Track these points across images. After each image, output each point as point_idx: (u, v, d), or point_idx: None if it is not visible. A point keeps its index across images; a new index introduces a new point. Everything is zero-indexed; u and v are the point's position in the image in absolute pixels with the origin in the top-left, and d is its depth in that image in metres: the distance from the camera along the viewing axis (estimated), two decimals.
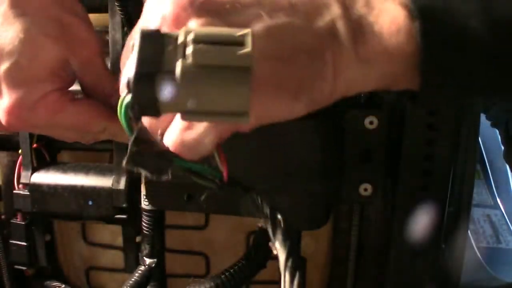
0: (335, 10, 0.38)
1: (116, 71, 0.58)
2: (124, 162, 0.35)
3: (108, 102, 0.49)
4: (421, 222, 0.61)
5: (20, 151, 0.63)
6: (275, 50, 0.36)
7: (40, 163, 0.63)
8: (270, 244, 0.39)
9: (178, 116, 0.38)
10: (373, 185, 0.57)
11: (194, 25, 0.35)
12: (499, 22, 0.37)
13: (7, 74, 0.45)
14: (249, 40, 0.31)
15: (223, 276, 0.57)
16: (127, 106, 0.33)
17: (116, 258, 0.70)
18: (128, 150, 0.35)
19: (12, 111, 0.46)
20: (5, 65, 0.45)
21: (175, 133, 0.37)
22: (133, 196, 0.60)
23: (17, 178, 0.64)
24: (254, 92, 0.34)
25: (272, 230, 0.39)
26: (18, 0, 0.46)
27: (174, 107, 0.32)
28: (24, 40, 0.45)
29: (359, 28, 0.38)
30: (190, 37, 0.31)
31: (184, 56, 0.31)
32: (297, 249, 0.60)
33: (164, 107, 0.32)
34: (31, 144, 0.62)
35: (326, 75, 0.38)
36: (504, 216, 1.48)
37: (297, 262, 0.37)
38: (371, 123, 0.55)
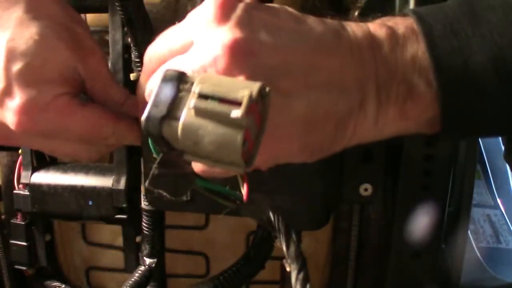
0: (369, 88, 0.40)
1: (116, 70, 0.58)
2: (146, 183, 0.38)
3: (119, 110, 0.49)
4: (421, 222, 0.61)
5: (20, 151, 0.63)
6: (309, 118, 0.39)
7: (40, 163, 0.63)
8: (284, 261, 0.44)
9: None
10: (373, 185, 0.57)
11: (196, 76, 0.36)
12: (510, 76, 0.39)
13: (19, 74, 0.45)
14: (245, 102, 0.33)
15: (221, 278, 0.57)
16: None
17: (116, 258, 0.70)
18: (151, 173, 0.38)
19: (24, 111, 0.46)
20: (18, 65, 0.45)
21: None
22: (133, 196, 0.60)
23: (17, 178, 0.64)
24: (280, 146, 0.39)
25: (286, 248, 0.43)
26: (32, 6, 0.47)
27: (180, 148, 0.35)
28: (39, 41, 0.46)
29: (385, 99, 0.40)
30: (197, 89, 0.34)
31: (188, 105, 0.34)
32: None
33: (172, 145, 0.36)
34: None
35: (343, 141, 0.41)
36: (504, 216, 1.48)
37: (307, 275, 0.41)
38: None
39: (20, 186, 0.63)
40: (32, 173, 0.62)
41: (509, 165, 0.61)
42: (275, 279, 0.63)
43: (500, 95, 0.39)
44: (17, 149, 0.64)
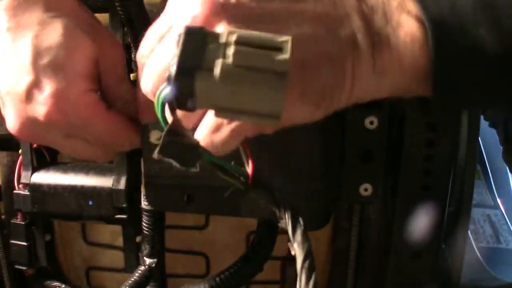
0: (356, 22, 0.39)
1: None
2: (156, 152, 0.37)
3: (126, 109, 0.50)
4: (421, 222, 0.61)
5: (20, 151, 0.63)
6: (300, 58, 0.37)
7: (40, 163, 0.63)
8: (289, 244, 0.41)
9: (208, 114, 0.41)
10: (373, 185, 0.57)
11: (223, 29, 0.36)
12: (507, 32, 0.39)
13: (47, 67, 0.46)
14: (288, 47, 0.33)
15: (218, 278, 0.57)
16: (164, 98, 0.35)
17: (116, 258, 0.70)
18: (161, 141, 0.36)
19: (53, 101, 0.46)
20: (46, 59, 0.46)
21: (204, 132, 0.40)
22: (133, 196, 0.60)
23: (17, 178, 0.64)
24: None
25: (292, 231, 0.41)
26: (51, 6, 0.48)
27: (210, 103, 0.34)
28: (64, 34, 0.47)
29: (377, 39, 0.40)
30: (233, 38, 0.33)
31: (224, 56, 0.33)
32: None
33: (200, 102, 0.34)
34: (31, 144, 0.62)
35: (345, 84, 0.40)
36: (504, 216, 1.48)
37: (313, 264, 0.39)
38: (371, 123, 0.55)
39: (20, 186, 0.63)
40: (32, 173, 0.62)
41: (507, 165, 0.61)
42: (275, 279, 0.64)
43: (488, 35, 0.39)
44: (17, 149, 0.64)
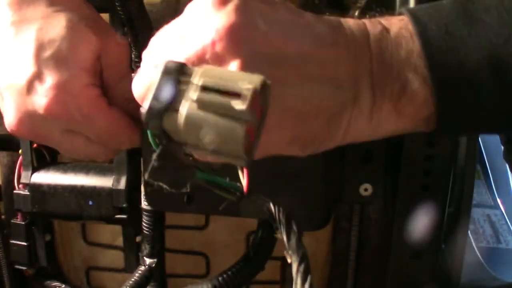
0: (364, 84, 0.40)
1: None
2: (146, 176, 0.38)
3: (126, 107, 0.50)
4: (421, 222, 0.61)
5: (20, 151, 0.63)
6: (301, 110, 0.38)
7: (40, 163, 0.63)
8: (285, 253, 0.42)
9: None
10: (373, 185, 0.57)
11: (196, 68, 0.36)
12: (506, 74, 0.39)
13: (49, 60, 0.46)
14: (249, 96, 0.33)
15: (220, 278, 0.57)
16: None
17: (116, 258, 0.70)
18: (151, 166, 0.37)
19: (55, 93, 0.46)
20: (49, 51, 0.46)
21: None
22: (133, 196, 0.60)
23: (17, 178, 0.64)
24: (270, 135, 0.38)
25: (287, 240, 0.42)
26: (55, 0, 0.48)
27: (182, 141, 0.35)
28: (68, 27, 0.47)
29: (380, 98, 0.40)
30: (200, 82, 0.34)
31: (190, 97, 0.34)
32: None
33: (173, 137, 0.35)
34: (31, 144, 0.62)
35: (337, 137, 0.41)
36: (504, 216, 1.48)
37: (309, 267, 0.40)
38: None
39: (20, 186, 0.63)
40: (32, 173, 0.62)
41: (508, 165, 0.61)
42: (275, 279, 0.63)
43: (495, 93, 0.39)
44: (17, 149, 0.64)
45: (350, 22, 0.41)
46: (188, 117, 0.34)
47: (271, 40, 0.38)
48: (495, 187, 1.53)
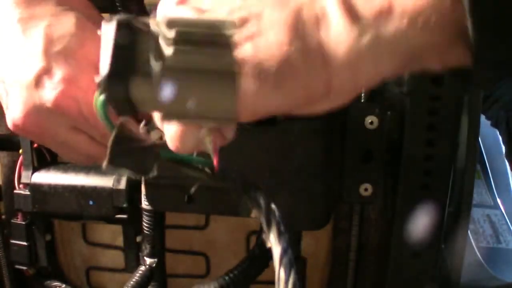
0: None
1: None
2: (104, 164, 0.32)
3: None
4: (421, 222, 0.61)
5: (20, 151, 0.63)
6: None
7: (41, 163, 0.63)
8: (263, 236, 0.35)
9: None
10: (373, 185, 0.57)
11: (159, 19, 0.31)
12: None
13: (59, 55, 0.47)
14: (231, 41, 0.28)
15: (227, 278, 0.57)
16: (101, 104, 0.31)
17: (116, 258, 0.70)
18: (108, 150, 0.32)
19: (64, 87, 0.46)
20: (58, 47, 0.47)
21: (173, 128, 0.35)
22: (133, 196, 0.60)
23: (17, 178, 0.64)
24: (245, 85, 0.31)
25: (266, 221, 0.35)
26: (62, 0, 0.49)
27: (152, 107, 0.30)
28: (77, 24, 0.48)
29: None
30: (171, 34, 0.28)
31: (161, 56, 0.29)
32: (295, 245, 0.60)
33: (141, 107, 0.30)
34: (31, 144, 0.62)
35: (322, 73, 0.32)
36: (504, 216, 1.48)
37: (293, 259, 0.34)
38: (371, 123, 0.55)
39: (21, 186, 0.63)
40: (32, 173, 0.62)
41: (510, 164, 0.61)
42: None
43: None
44: (17, 149, 0.64)
45: None
46: (163, 78, 0.28)
47: None
48: (495, 187, 1.53)
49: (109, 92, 0.29)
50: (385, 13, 0.31)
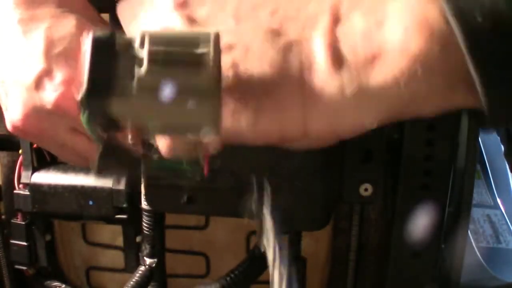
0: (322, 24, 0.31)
1: None
2: (94, 171, 0.34)
3: None
4: (421, 222, 0.61)
5: (20, 151, 0.63)
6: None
7: (41, 163, 0.63)
8: (258, 239, 0.36)
9: None
10: (373, 185, 0.57)
11: (137, 34, 0.30)
12: None
13: (60, 56, 0.47)
14: (210, 57, 0.28)
15: (228, 278, 0.57)
16: (86, 121, 0.31)
17: (116, 258, 0.70)
18: (97, 161, 0.33)
19: (65, 88, 0.46)
20: (58, 48, 0.47)
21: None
22: (133, 196, 0.60)
23: (17, 178, 0.64)
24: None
25: (261, 225, 0.37)
26: (62, 2, 0.49)
27: (133, 124, 0.30)
28: (77, 26, 0.48)
29: (350, 47, 0.30)
30: (144, 51, 0.28)
31: (137, 73, 0.29)
32: (295, 245, 0.60)
33: (123, 123, 0.30)
34: (31, 144, 0.62)
35: (292, 108, 0.32)
36: (504, 216, 1.48)
37: (288, 261, 0.34)
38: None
39: (21, 186, 0.63)
40: (32, 173, 0.62)
41: (509, 164, 0.61)
42: None
43: None
44: (17, 149, 0.64)
45: None
46: (139, 97, 0.29)
47: None
48: (495, 187, 1.53)
49: (89, 110, 0.29)
50: (375, 61, 0.30)
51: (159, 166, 0.36)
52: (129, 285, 0.60)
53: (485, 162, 1.53)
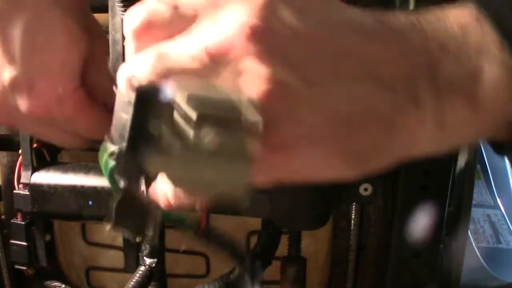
0: (423, 81, 0.33)
1: (115, 71, 0.58)
2: (110, 226, 0.33)
3: (106, 100, 0.50)
4: (421, 222, 0.61)
5: (20, 151, 0.63)
6: (346, 113, 0.32)
7: (40, 163, 0.63)
8: None
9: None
10: (373, 185, 0.57)
11: (179, 95, 0.29)
12: None
13: (36, 62, 0.45)
14: (260, 129, 0.28)
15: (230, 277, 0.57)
16: (111, 170, 0.32)
17: (116, 258, 0.70)
18: (114, 212, 0.33)
19: (39, 97, 0.45)
20: (36, 56, 0.45)
21: (166, 193, 0.35)
22: None
23: (17, 178, 0.63)
24: (312, 151, 0.32)
25: (251, 279, 0.41)
26: None
27: (172, 181, 0.31)
28: (61, 30, 0.45)
29: (447, 95, 0.33)
30: (193, 115, 0.27)
31: (182, 133, 0.28)
32: (295, 245, 0.60)
33: (152, 175, 0.31)
34: (31, 144, 0.62)
35: (398, 148, 0.34)
36: (504, 216, 1.48)
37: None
38: None
39: (20, 186, 0.63)
40: (32, 173, 0.62)
41: (509, 161, 0.61)
42: (275, 279, 0.63)
43: None
44: (17, 149, 0.64)
45: (396, 14, 0.34)
46: (180, 157, 0.28)
47: (299, 33, 0.31)
48: (495, 187, 1.53)
49: (123, 164, 0.29)
50: (467, 114, 0.33)
51: (164, 217, 0.38)
52: (129, 285, 0.60)
53: (485, 162, 1.53)
